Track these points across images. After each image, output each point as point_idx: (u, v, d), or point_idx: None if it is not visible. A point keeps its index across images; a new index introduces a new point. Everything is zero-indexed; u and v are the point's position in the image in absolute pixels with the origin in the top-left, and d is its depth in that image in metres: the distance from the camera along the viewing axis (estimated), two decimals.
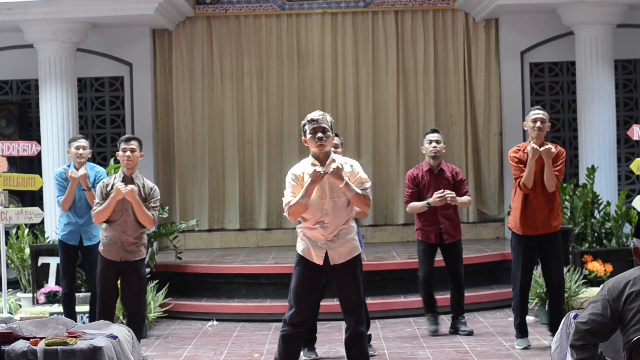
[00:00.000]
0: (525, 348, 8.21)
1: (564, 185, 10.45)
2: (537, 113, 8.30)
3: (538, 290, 9.43)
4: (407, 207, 9.05)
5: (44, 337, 5.85)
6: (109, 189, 7.94)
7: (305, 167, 6.60)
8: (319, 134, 6.54)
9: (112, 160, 11.12)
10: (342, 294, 6.61)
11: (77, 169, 8.82)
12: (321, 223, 6.50)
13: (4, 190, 9.50)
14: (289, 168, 6.79)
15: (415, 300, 9.74)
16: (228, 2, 13.17)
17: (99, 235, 8.35)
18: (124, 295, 8.09)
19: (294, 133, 12.97)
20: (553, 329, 8.13)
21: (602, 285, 4.44)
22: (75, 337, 5.88)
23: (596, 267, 10.00)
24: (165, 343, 9.22)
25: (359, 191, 6.48)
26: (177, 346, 9.03)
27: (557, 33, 12.75)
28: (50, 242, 10.42)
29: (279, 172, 12.67)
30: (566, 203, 10.34)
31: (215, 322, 10.11)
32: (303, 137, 6.62)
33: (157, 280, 10.17)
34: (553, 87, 13.24)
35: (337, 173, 6.44)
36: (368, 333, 8.07)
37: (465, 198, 8.95)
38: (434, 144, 9.02)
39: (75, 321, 7.85)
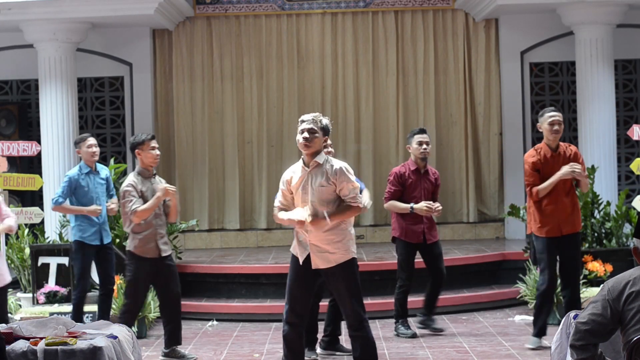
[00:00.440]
0: (534, 349, 8.15)
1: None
2: (554, 115, 8.14)
3: None
4: (386, 203, 8.93)
5: (44, 337, 5.85)
6: (139, 187, 8.01)
7: (295, 169, 6.63)
8: (304, 134, 6.55)
9: (112, 160, 11.14)
10: (337, 300, 6.75)
11: (90, 168, 8.85)
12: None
13: (4, 190, 9.51)
14: (289, 168, 6.81)
15: (415, 300, 9.69)
16: (228, 2, 13.18)
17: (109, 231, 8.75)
18: (162, 289, 8.19)
19: (294, 133, 12.82)
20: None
21: (602, 286, 4.44)
22: (75, 337, 5.89)
23: (596, 267, 10.00)
24: None
25: (346, 211, 6.49)
26: None
27: (557, 33, 12.76)
28: (50, 242, 10.41)
29: (279, 172, 12.60)
30: None
31: (215, 322, 10.11)
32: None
33: None
34: (553, 87, 13.25)
35: (316, 224, 6.44)
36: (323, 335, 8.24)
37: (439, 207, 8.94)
38: (424, 145, 8.99)
39: (83, 323, 7.90)
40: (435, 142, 13.06)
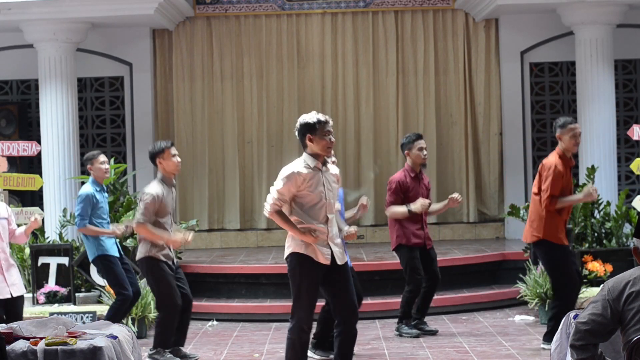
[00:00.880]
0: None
1: None
2: (578, 127, 8.14)
3: (538, 290, 9.44)
4: (387, 210, 8.92)
5: (44, 337, 5.84)
6: (162, 198, 7.97)
7: (303, 169, 6.56)
8: (332, 137, 6.55)
9: (112, 160, 11.12)
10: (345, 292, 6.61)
11: (101, 185, 8.74)
12: (325, 222, 6.51)
13: (4, 190, 9.50)
14: (291, 168, 6.74)
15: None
16: (228, 2, 13.18)
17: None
18: (182, 291, 8.15)
19: (294, 133, 12.89)
20: None
21: (602, 286, 4.43)
22: (75, 337, 5.88)
23: (596, 267, 10.00)
24: None
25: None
26: None
27: (557, 33, 12.76)
28: (50, 242, 10.41)
29: (278, 172, 12.63)
30: None
31: (215, 322, 10.11)
32: (308, 135, 6.56)
33: None
34: (553, 87, 13.25)
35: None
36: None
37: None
38: (424, 151, 8.99)
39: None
40: (435, 142, 13.07)
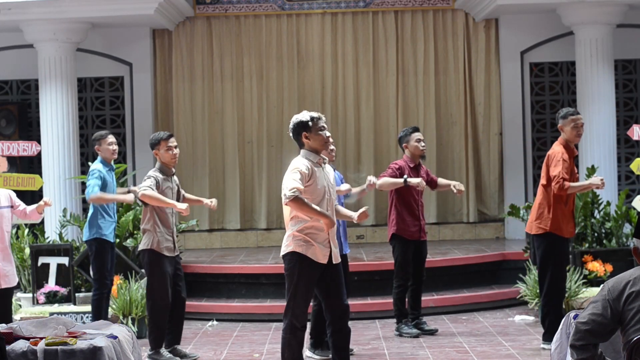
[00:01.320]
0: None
1: None
2: (580, 118, 8.14)
3: (538, 290, 9.43)
4: (379, 180, 8.75)
5: (44, 337, 5.85)
6: (161, 183, 8.03)
7: (307, 165, 6.55)
8: (327, 132, 6.58)
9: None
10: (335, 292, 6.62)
11: (109, 165, 8.82)
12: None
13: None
14: (296, 163, 6.70)
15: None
16: (228, 2, 13.17)
17: None
18: (177, 288, 8.14)
19: None
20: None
21: (602, 286, 4.43)
22: (75, 337, 5.88)
23: (596, 267, 10.00)
24: None
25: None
26: None
27: (557, 33, 12.76)
28: (50, 242, 10.41)
29: (279, 172, 12.66)
30: None
31: (215, 322, 10.11)
32: (304, 133, 6.56)
33: None
34: (553, 87, 13.25)
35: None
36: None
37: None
38: (422, 143, 9.00)
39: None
40: (435, 142, 13.07)
